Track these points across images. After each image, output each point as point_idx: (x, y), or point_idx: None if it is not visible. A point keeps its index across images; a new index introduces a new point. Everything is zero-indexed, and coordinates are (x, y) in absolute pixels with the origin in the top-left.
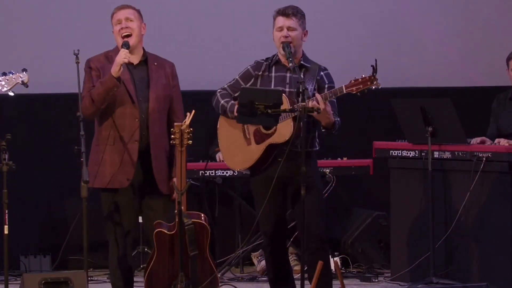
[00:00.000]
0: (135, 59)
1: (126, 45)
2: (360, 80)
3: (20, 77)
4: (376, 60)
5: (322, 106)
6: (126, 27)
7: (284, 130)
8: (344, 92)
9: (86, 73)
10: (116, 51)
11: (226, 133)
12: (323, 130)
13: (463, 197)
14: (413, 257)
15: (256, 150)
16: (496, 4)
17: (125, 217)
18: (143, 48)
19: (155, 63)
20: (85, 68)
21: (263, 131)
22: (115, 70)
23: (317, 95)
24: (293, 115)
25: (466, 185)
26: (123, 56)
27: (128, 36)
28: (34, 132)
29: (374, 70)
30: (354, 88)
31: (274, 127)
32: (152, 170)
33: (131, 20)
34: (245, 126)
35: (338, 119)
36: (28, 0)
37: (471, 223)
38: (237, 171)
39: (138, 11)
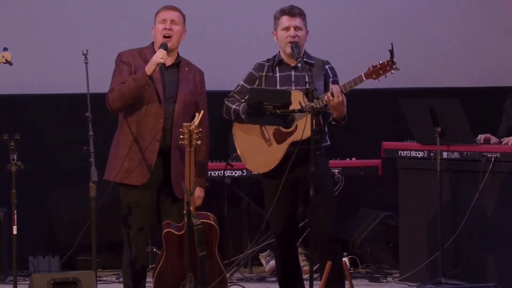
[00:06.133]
0: (169, 61)
1: (164, 46)
2: (378, 66)
3: (3, 56)
4: (392, 44)
5: (340, 99)
6: (170, 29)
7: (304, 127)
8: (364, 80)
9: (117, 66)
10: (150, 48)
11: (243, 137)
12: (333, 123)
13: (471, 197)
14: (421, 257)
15: (278, 150)
16: (506, 3)
17: (141, 216)
18: (177, 52)
19: (186, 68)
20: (116, 61)
21: (283, 130)
22: (150, 69)
23: (336, 88)
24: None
25: (475, 186)
26: (160, 56)
27: (169, 37)
28: (43, 132)
29: (392, 54)
30: (373, 75)
31: (295, 125)
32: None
33: (176, 23)
34: (263, 127)
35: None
36: (36, 0)
37: (480, 223)
38: (246, 171)
39: (184, 16)
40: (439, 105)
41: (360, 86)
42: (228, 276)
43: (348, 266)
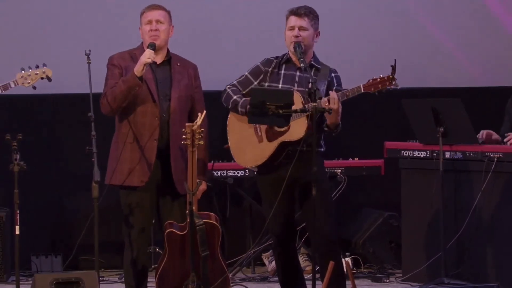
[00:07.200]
0: (159, 59)
1: (152, 46)
2: (378, 80)
3: (44, 71)
4: (395, 60)
5: (335, 106)
6: (156, 30)
7: (298, 128)
8: (362, 91)
9: (108, 70)
10: (140, 49)
11: (236, 129)
12: (325, 129)
13: (474, 197)
14: (424, 257)
15: (268, 148)
16: (508, 4)
17: (142, 216)
18: (167, 48)
19: (178, 64)
20: (108, 65)
21: (276, 128)
22: (138, 69)
23: (333, 94)
24: (306, 114)
25: (477, 186)
26: (147, 56)
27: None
28: (45, 133)
29: (393, 70)
30: (372, 88)
31: (288, 125)
32: (171, 170)
33: (161, 23)
34: None
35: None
36: (38, 0)
37: (482, 223)
38: (248, 171)
39: (169, 13)
40: (442, 105)
41: None
42: (230, 276)
43: (351, 266)
